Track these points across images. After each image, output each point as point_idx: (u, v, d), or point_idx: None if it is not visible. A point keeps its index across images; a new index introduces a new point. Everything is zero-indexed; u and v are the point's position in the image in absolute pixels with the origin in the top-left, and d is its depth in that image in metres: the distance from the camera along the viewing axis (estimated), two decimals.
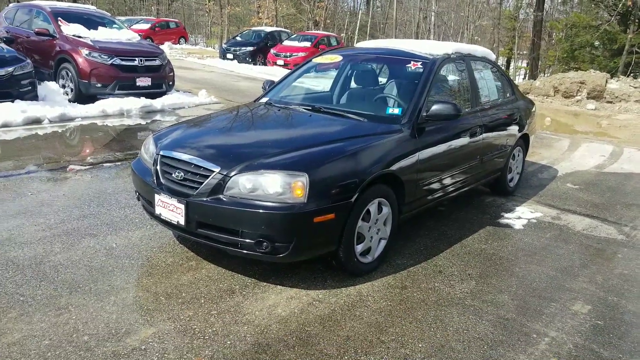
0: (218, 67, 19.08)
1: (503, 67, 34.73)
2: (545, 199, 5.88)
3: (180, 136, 3.81)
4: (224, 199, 3.17)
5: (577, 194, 6.19)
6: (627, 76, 16.60)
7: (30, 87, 8.33)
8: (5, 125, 7.31)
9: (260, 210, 3.07)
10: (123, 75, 9.39)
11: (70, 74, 9.26)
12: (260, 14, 35.22)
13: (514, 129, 5.57)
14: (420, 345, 2.88)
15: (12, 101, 7.86)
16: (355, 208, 3.35)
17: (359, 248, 3.52)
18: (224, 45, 24.17)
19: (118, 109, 8.93)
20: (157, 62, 9.97)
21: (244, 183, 3.15)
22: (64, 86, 9.41)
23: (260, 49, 22.22)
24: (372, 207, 3.54)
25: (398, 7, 37.98)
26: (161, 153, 3.57)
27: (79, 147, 6.86)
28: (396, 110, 4.15)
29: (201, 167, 3.30)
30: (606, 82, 13.49)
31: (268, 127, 4.15)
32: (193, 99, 10.51)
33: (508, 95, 5.77)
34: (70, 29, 9.59)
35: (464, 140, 4.56)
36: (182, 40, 30.83)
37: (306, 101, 4.77)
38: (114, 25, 10.63)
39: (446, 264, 3.97)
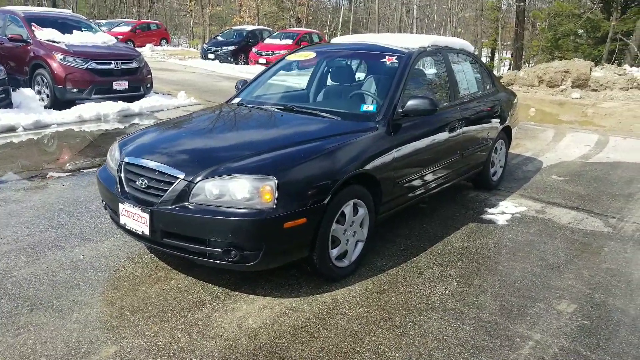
0: (199, 68, 18.87)
1: (487, 59, 34.74)
2: (530, 192, 5.76)
3: (145, 142, 3.64)
4: (190, 207, 3.01)
5: (562, 185, 6.09)
6: (612, 64, 16.53)
7: (4, 95, 8.16)
8: None
9: (228, 218, 2.92)
10: (99, 79, 9.22)
11: (45, 80, 9.06)
12: (241, 13, 34.95)
13: (495, 121, 5.44)
14: (397, 354, 2.74)
15: None
16: (329, 211, 3.20)
17: (334, 252, 3.37)
18: (205, 45, 23.96)
19: (95, 113, 8.73)
20: (133, 65, 9.78)
21: (210, 189, 3.00)
22: (39, 92, 9.20)
23: (241, 48, 22.08)
24: (347, 208, 3.39)
25: (380, 2, 37.84)
26: (125, 160, 3.41)
27: (54, 155, 6.67)
28: (371, 107, 4.01)
29: (165, 173, 3.14)
30: (590, 70, 13.43)
31: (237, 129, 3.98)
32: (172, 101, 10.34)
33: (488, 87, 5.64)
34: (44, 34, 9.39)
35: (442, 136, 4.42)
36: (163, 41, 30.52)
37: (280, 100, 4.62)
38: (90, 29, 10.42)
39: (427, 264, 3.84)
